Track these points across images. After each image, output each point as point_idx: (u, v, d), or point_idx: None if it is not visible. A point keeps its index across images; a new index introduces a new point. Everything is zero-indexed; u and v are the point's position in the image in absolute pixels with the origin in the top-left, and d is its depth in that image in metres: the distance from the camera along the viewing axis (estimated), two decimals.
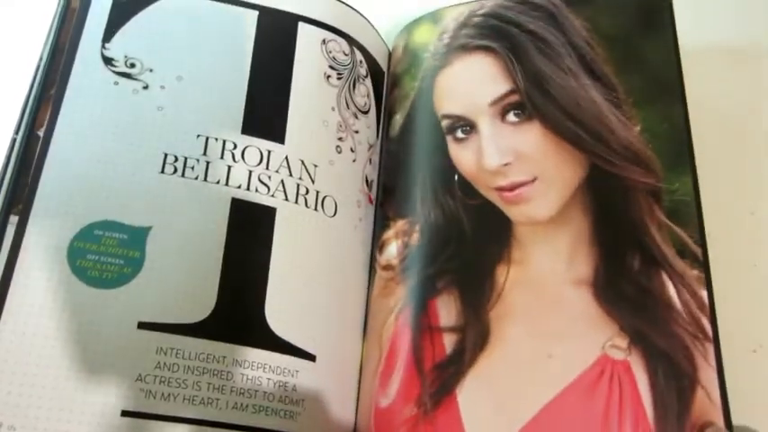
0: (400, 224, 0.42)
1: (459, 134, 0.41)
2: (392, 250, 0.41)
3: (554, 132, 0.39)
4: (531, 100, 0.40)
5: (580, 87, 0.40)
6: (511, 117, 0.40)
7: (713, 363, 0.35)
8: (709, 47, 0.47)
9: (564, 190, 0.39)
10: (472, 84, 0.41)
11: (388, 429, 0.37)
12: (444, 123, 0.42)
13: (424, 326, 0.38)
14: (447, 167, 0.41)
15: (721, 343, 0.36)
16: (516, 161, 0.39)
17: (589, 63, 0.41)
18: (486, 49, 0.41)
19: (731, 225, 0.42)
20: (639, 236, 0.38)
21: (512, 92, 0.40)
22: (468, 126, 0.41)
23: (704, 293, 0.37)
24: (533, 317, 0.38)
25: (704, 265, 0.37)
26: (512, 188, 0.39)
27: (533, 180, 0.39)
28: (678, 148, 0.40)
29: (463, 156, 0.41)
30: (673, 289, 0.37)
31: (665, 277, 0.37)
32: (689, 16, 0.44)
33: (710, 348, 0.36)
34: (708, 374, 0.35)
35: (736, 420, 0.35)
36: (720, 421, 0.34)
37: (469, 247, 0.40)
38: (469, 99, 0.41)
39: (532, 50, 0.41)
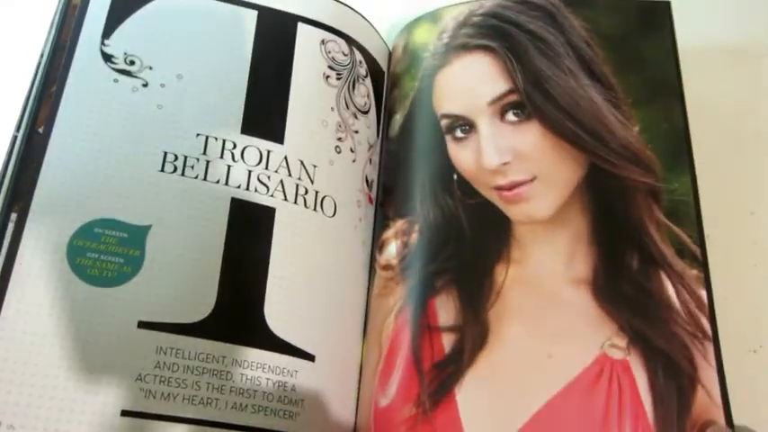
0: (400, 224, 0.42)
1: (459, 134, 0.41)
2: (392, 250, 0.41)
3: (553, 132, 0.39)
4: (530, 99, 0.40)
5: (579, 87, 0.40)
6: (510, 116, 0.40)
7: (713, 362, 0.35)
8: (709, 47, 0.47)
9: (563, 189, 0.39)
10: (471, 83, 0.41)
11: (387, 429, 0.37)
12: (443, 123, 0.42)
13: (424, 325, 0.38)
14: (446, 167, 0.41)
15: (721, 343, 0.36)
16: (515, 160, 0.39)
17: (588, 63, 0.41)
18: (486, 48, 0.41)
19: (731, 225, 0.42)
20: (638, 235, 0.38)
21: (511, 91, 0.40)
22: (468, 125, 0.41)
23: (703, 293, 0.37)
24: (532, 316, 0.38)
25: (703, 265, 0.37)
26: (511, 187, 0.39)
27: (532, 179, 0.39)
28: (677, 147, 0.40)
29: (462, 155, 0.41)
30: (672, 288, 0.37)
31: (663, 277, 0.37)
32: (689, 16, 0.44)
33: (710, 347, 0.36)
34: (708, 374, 0.35)
35: (736, 421, 0.35)
36: (721, 420, 0.34)
37: (469, 246, 0.40)
38: (469, 98, 0.41)
39: (532, 50, 0.41)
